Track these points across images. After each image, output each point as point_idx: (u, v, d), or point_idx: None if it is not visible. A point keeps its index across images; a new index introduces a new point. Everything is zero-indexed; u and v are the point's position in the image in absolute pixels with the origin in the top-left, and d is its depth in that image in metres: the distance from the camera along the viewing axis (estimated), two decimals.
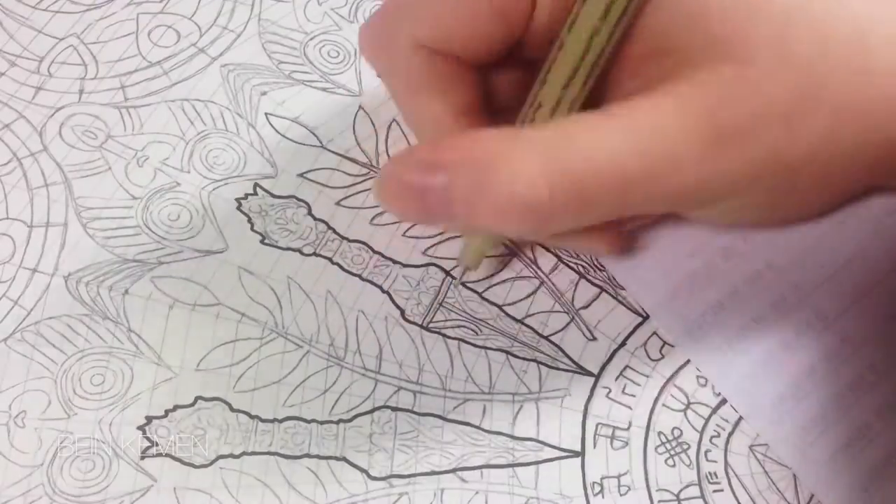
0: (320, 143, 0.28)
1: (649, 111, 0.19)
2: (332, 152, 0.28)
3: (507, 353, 0.25)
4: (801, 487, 0.24)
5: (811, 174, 0.21)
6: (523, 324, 0.26)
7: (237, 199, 0.27)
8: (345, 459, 0.24)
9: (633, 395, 0.25)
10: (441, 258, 0.26)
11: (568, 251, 0.27)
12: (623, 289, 0.26)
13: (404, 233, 0.27)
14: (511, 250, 0.27)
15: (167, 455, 0.24)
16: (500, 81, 0.23)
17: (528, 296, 0.26)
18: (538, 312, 0.26)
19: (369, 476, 0.24)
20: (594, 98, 0.21)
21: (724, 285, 0.26)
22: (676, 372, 0.25)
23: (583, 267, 0.27)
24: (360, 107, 0.29)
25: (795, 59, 0.19)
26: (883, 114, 0.20)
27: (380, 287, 0.26)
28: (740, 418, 0.25)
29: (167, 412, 0.25)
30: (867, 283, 0.26)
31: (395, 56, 0.21)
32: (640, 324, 0.26)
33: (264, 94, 0.29)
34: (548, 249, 0.27)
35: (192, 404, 0.25)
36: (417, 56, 0.21)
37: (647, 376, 0.25)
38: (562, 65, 0.20)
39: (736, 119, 0.19)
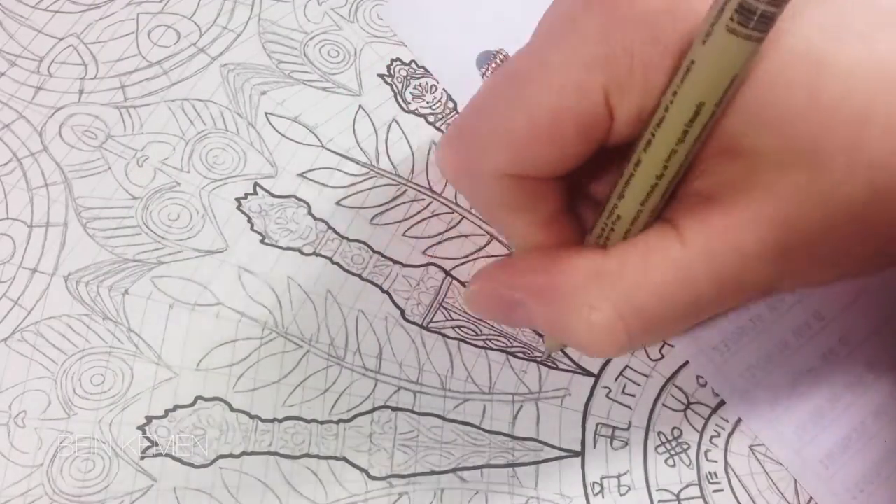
0: (320, 143, 0.28)
1: (724, 232, 0.19)
2: (332, 152, 0.28)
3: (507, 353, 0.25)
4: (801, 488, 0.24)
5: (882, 258, 0.21)
6: None
7: (237, 199, 0.27)
8: (345, 459, 0.24)
9: (633, 395, 0.25)
10: (441, 258, 0.27)
11: None
12: None
13: (404, 233, 0.27)
14: (509, 248, 0.27)
15: (167, 455, 0.24)
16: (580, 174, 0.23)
17: None
18: None
19: (369, 476, 0.24)
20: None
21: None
22: (676, 372, 0.25)
23: None
24: (360, 107, 0.29)
25: (871, 162, 0.18)
26: None
27: (380, 287, 0.26)
28: (740, 418, 0.25)
29: (167, 412, 0.25)
30: (865, 284, 0.26)
31: (478, 184, 0.21)
32: None
33: (264, 93, 0.29)
34: None
35: (192, 404, 0.25)
36: (500, 183, 0.21)
37: (647, 376, 0.25)
38: (639, 181, 0.20)
39: (806, 229, 0.19)
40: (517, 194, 0.21)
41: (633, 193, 0.20)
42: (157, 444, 0.24)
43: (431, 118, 0.29)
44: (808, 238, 0.19)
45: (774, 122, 0.19)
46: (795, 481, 0.24)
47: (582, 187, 0.23)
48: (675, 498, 0.24)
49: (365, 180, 0.28)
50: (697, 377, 0.25)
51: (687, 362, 0.25)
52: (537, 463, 0.24)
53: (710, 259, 0.19)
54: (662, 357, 0.25)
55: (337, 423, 0.24)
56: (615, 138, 0.20)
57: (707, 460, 0.24)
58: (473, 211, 0.27)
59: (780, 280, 0.20)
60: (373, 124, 0.29)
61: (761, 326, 0.25)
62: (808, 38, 0.18)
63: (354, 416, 0.25)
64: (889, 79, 0.18)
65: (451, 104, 0.29)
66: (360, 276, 0.26)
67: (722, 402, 0.25)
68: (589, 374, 0.25)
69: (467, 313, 0.26)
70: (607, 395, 0.25)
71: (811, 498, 0.24)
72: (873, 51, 0.18)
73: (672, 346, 0.25)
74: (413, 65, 0.30)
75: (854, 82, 0.18)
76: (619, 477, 0.24)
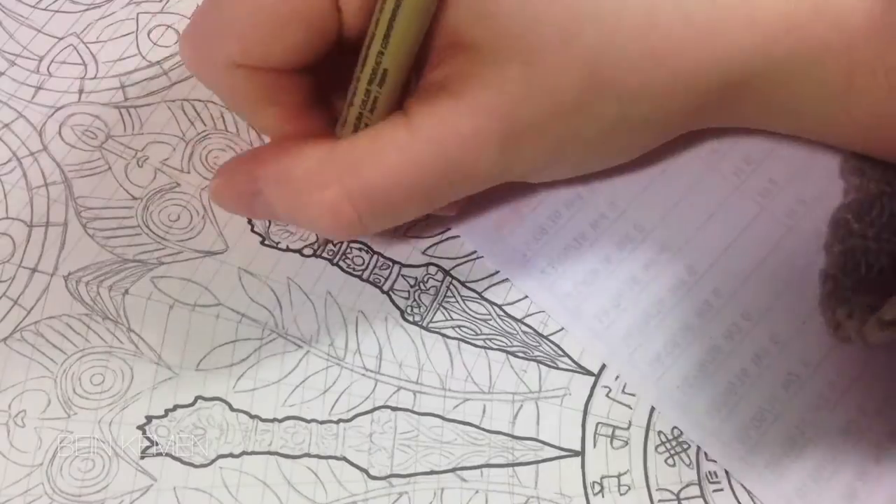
0: None
1: (446, 118, 0.20)
2: None
3: (507, 352, 0.25)
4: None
5: (607, 146, 0.23)
6: (523, 323, 0.26)
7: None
8: (345, 459, 0.24)
9: (633, 395, 0.25)
10: (441, 258, 0.27)
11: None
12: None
13: (404, 233, 0.27)
14: None
15: (167, 455, 0.24)
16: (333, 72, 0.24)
17: (528, 296, 0.26)
18: (538, 312, 0.26)
19: (369, 476, 0.24)
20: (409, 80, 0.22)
21: (598, 252, 0.26)
22: None
23: None
24: None
25: (580, 55, 0.20)
26: (671, 92, 0.21)
27: (380, 287, 0.26)
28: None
29: (167, 412, 0.25)
30: (732, 233, 0.26)
31: (215, 75, 0.22)
32: None
33: None
34: None
35: (192, 404, 0.25)
36: (236, 74, 0.21)
37: None
38: (366, 70, 0.21)
39: (526, 118, 0.21)
40: (254, 86, 0.21)
41: (362, 83, 0.21)
42: (157, 444, 0.24)
43: None
44: (528, 127, 0.21)
45: (490, 18, 0.20)
46: None
47: (339, 82, 0.24)
48: (675, 497, 0.24)
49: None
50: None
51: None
52: (537, 462, 0.24)
53: (435, 143, 0.20)
54: None
55: (337, 422, 0.25)
56: (350, 31, 0.21)
57: (707, 460, 0.24)
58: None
59: (511, 167, 0.22)
60: None
61: (639, 288, 0.25)
62: None
63: (354, 416, 0.25)
64: None
65: None
66: (360, 276, 0.26)
67: None
68: (589, 373, 0.25)
69: (467, 313, 0.26)
70: (607, 395, 0.25)
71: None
72: None
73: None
74: None
75: None
76: (619, 476, 0.24)
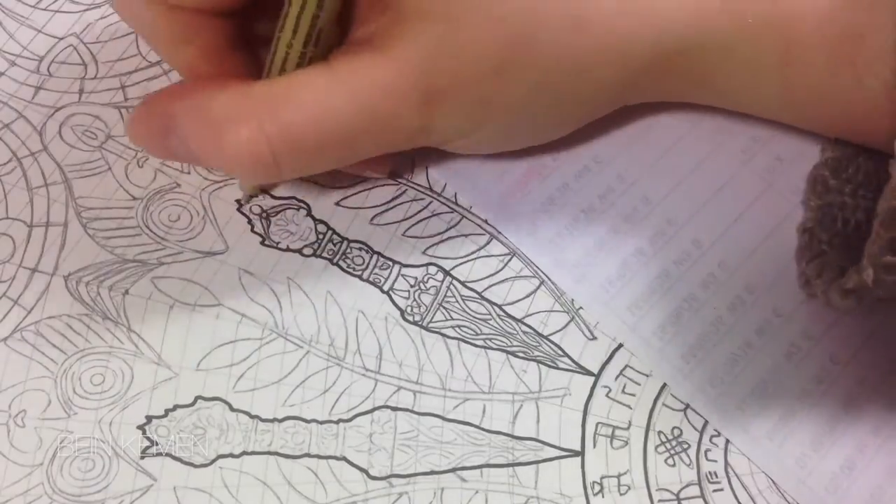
0: None
1: (368, 69, 0.21)
2: None
3: (507, 352, 0.25)
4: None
5: (532, 116, 0.23)
6: (523, 323, 0.26)
7: (237, 201, 0.27)
8: (345, 459, 0.24)
9: (633, 395, 0.25)
10: (441, 258, 0.27)
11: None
12: None
13: (404, 233, 0.27)
14: (512, 250, 0.27)
15: (167, 455, 0.24)
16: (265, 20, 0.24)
17: (528, 295, 0.26)
18: (538, 312, 0.26)
19: (369, 476, 0.24)
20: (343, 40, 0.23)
21: (605, 223, 0.27)
22: None
23: None
24: None
25: (504, 18, 0.20)
26: (596, 61, 0.21)
27: (380, 287, 0.26)
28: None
29: (167, 412, 0.25)
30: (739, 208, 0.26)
31: (133, 10, 0.22)
32: None
33: None
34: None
35: (192, 404, 0.25)
36: (155, 11, 0.22)
37: (647, 375, 0.25)
38: (288, 21, 0.21)
39: (446, 76, 0.21)
40: (170, 23, 0.22)
41: (286, 29, 0.21)
42: (157, 444, 0.24)
43: None
44: (448, 85, 0.21)
45: None
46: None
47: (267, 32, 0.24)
48: (675, 497, 0.24)
49: (365, 180, 0.28)
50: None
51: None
52: (537, 462, 0.24)
53: (353, 91, 0.21)
54: None
55: (337, 422, 0.24)
56: None
57: (707, 460, 0.24)
58: (473, 210, 0.27)
59: (432, 125, 0.22)
60: None
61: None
62: None
63: (354, 416, 0.25)
64: None
65: None
66: (360, 276, 0.26)
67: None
68: (589, 373, 0.25)
69: (467, 313, 0.26)
70: (607, 395, 0.25)
71: None
72: None
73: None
74: None
75: None
76: (618, 476, 0.24)
